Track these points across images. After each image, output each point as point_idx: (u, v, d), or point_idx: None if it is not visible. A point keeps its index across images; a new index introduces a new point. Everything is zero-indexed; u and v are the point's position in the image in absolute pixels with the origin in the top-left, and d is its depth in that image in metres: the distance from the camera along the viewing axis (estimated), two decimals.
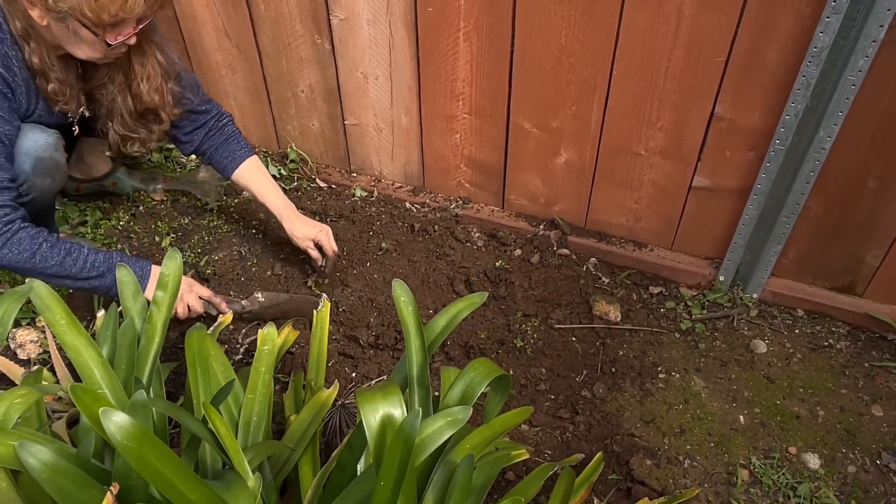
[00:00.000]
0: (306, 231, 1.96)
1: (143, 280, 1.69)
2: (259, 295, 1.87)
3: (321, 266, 2.00)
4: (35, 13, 1.48)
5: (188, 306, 1.76)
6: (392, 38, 2.00)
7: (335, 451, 1.14)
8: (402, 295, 1.14)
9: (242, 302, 1.87)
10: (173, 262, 1.31)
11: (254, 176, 1.98)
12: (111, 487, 0.85)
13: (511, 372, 1.84)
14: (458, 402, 1.01)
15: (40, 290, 1.12)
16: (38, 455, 0.83)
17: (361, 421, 0.94)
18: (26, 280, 1.15)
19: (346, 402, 1.66)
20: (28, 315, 1.91)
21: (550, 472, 1.49)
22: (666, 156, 1.91)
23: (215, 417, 0.95)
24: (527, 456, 1.55)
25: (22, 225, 1.57)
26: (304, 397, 1.60)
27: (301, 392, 1.61)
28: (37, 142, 1.68)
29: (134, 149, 1.86)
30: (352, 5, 1.98)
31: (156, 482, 0.81)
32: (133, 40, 1.58)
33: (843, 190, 1.77)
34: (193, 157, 2.37)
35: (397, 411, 0.92)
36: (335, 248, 1.99)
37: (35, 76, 1.62)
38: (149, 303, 1.36)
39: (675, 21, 1.66)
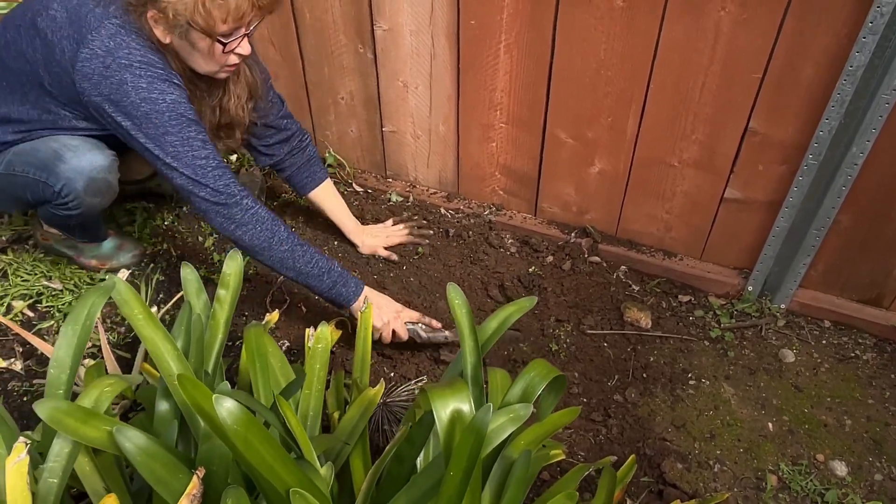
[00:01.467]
0: (373, 243, 2.22)
1: (358, 291, 1.80)
2: (448, 334, 1.89)
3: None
4: (158, 31, 1.56)
5: (393, 331, 1.83)
6: (434, 48, 2.07)
7: (390, 444, 1.20)
8: (456, 298, 1.20)
9: (446, 332, 1.89)
10: (234, 262, 1.38)
11: (330, 199, 2.21)
12: (197, 471, 0.91)
13: None
14: (518, 400, 1.07)
15: (120, 287, 1.18)
16: (134, 440, 0.89)
17: (423, 416, 1.00)
18: (107, 276, 1.22)
19: (388, 400, 1.72)
20: None
21: (585, 473, 1.54)
22: (699, 168, 1.96)
23: (287, 409, 1.00)
24: (563, 456, 1.59)
25: (259, 204, 1.67)
26: (347, 395, 1.67)
27: (342, 390, 1.67)
28: (93, 163, 1.75)
29: (219, 146, 1.92)
30: (396, 17, 2.04)
31: (258, 464, 0.87)
32: (246, 48, 1.63)
33: (874, 205, 1.82)
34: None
35: (465, 406, 0.97)
36: (403, 237, 2.25)
37: None
38: (353, 316, 1.60)
39: (713, 37, 1.71)
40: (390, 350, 1.92)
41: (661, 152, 1.98)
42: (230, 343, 1.92)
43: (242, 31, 1.59)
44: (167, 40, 1.58)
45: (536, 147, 2.14)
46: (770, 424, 1.80)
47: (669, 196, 2.07)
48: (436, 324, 1.88)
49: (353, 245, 2.25)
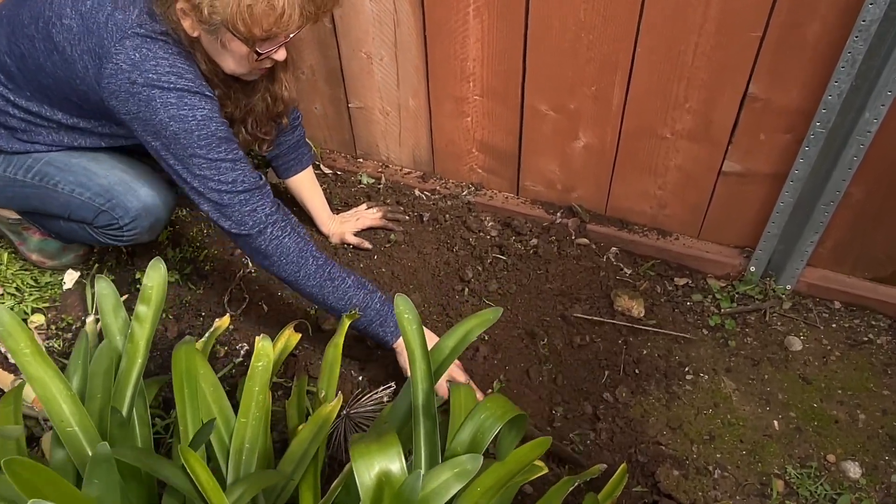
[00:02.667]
0: (342, 229, 2.06)
1: (397, 333, 1.59)
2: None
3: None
4: (187, 24, 1.40)
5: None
6: (397, 15, 1.86)
7: (334, 484, 1.04)
8: (405, 311, 1.02)
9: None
10: (157, 272, 1.20)
11: (310, 186, 2.06)
12: None
13: (528, 372, 1.73)
14: (467, 448, 0.90)
15: (4, 317, 1.02)
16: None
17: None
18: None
19: (352, 411, 1.56)
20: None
21: (571, 487, 1.39)
22: (694, 139, 1.77)
23: (195, 463, 0.84)
24: (545, 470, 1.44)
25: (287, 231, 1.54)
26: (310, 406, 1.51)
27: (305, 399, 1.51)
28: (167, 202, 1.72)
29: (263, 149, 1.81)
30: None
31: None
32: (282, 54, 1.49)
33: (889, 176, 1.63)
34: None
35: (396, 466, 0.81)
36: (375, 220, 2.08)
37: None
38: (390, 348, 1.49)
39: None
40: (358, 351, 1.76)
41: (652, 123, 1.78)
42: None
43: (282, 38, 1.42)
44: (195, 33, 1.42)
45: (515, 121, 1.95)
46: (775, 422, 1.64)
47: (662, 170, 1.88)
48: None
49: (325, 236, 2.08)
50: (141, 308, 1.17)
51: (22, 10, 1.51)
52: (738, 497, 1.51)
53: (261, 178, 1.54)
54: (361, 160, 2.31)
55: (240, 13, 1.31)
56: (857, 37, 1.42)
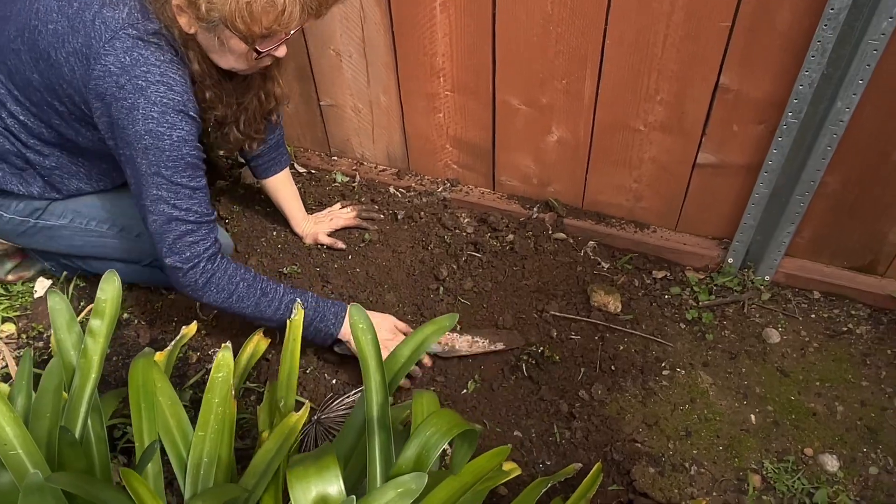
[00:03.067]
0: (315, 230, 2.01)
1: (338, 322, 1.61)
2: (458, 346, 1.73)
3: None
4: (183, 21, 1.35)
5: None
6: (363, 11, 1.83)
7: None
8: (359, 321, 1.00)
9: (465, 338, 1.74)
10: (111, 285, 1.18)
11: (287, 186, 2.01)
12: None
13: (503, 371, 1.71)
14: (412, 467, 0.88)
15: None
16: None
17: None
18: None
19: (322, 416, 1.54)
20: None
21: (545, 488, 1.37)
22: (667, 131, 1.74)
23: (138, 485, 0.82)
24: (518, 472, 1.43)
25: (219, 263, 1.52)
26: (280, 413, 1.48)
27: (277, 405, 1.49)
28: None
29: (253, 147, 1.77)
30: None
31: None
32: (283, 51, 1.46)
33: (864, 164, 1.61)
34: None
35: (334, 489, 0.79)
36: (349, 220, 2.05)
37: (194, 84, 1.48)
38: (338, 341, 1.49)
39: None
40: (332, 354, 1.74)
41: (624, 116, 1.75)
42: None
43: (282, 36, 1.38)
44: (191, 30, 1.37)
45: (487, 116, 1.92)
46: (752, 416, 1.62)
47: (637, 163, 1.85)
48: (445, 338, 1.69)
49: (299, 236, 2.05)
50: (95, 322, 1.14)
51: (7, 27, 1.45)
52: (714, 493, 1.50)
53: (212, 214, 1.51)
54: (336, 158, 2.28)
55: (238, 10, 1.27)
56: (825, 25, 1.39)
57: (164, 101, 1.37)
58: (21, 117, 1.51)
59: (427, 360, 1.70)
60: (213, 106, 1.54)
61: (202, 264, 1.49)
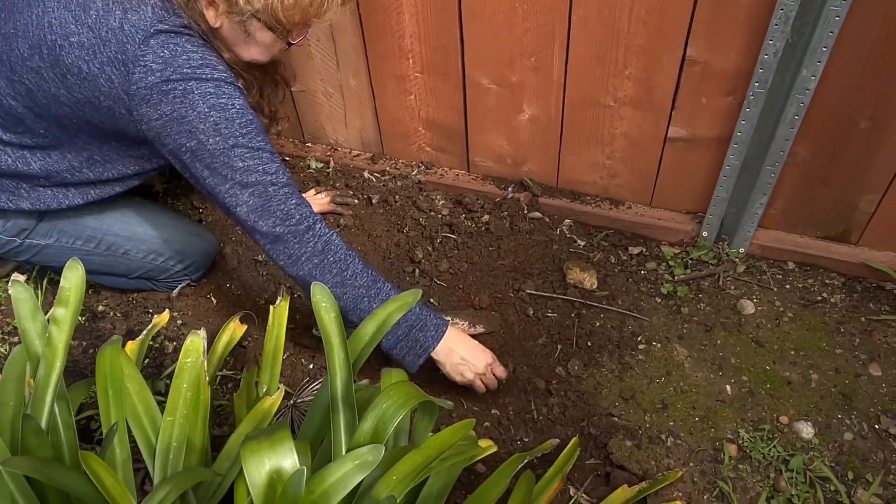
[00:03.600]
0: None
1: (438, 335, 1.48)
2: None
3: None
4: (210, 14, 1.35)
5: (485, 385, 1.56)
6: None
7: None
8: (322, 300, 1.00)
9: None
10: (74, 273, 1.17)
11: None
12: None
13: None
14: (370, 440, 0.88)
15: None
16: None
17: None
18: None
19: (298, 400, 1.54)
20: None
21: (522, 464, 1.38)
22: (637, 106, 1.74)
23: (98, 468, 0.82)
24: (494, 449, 1.44)
25: (331, 230, 1.45)
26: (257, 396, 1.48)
27: (254, 390, 1.49)
28: (211, 240, 1.86)
29: (279, 128, 1.80)
30: None
31: None
32: (303, 40, 1.48)
33: (832, 133, 1.61)
34: None
35: (287, 462, 0.79)
36: (324, 205, 2.04)
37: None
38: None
39: None
40: (309, 339, 1.74)
41: (594, 92, 1.75)
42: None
43: (313, 24, 1.41)
44: (217, 24, 1.36)
45: (458, 96, 1.91)
46: (728, 387, 1.63)
47: (609, 139, 1.85)
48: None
49: None
50: (59, 311, 1.13)
51: (16, 45, 1.37)
52: (691, 464, 1.51)
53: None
54: (310, 144, 2.27)
55: (283, 4, 1.30)
56: None
57: (215, 76, 1.35)
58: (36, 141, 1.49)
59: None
60: (247, 90, 1.54)
61: (317, 226, 1.42)
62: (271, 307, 1.51)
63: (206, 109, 1.33)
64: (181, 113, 1.33)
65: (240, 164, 1.36)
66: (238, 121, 1.36)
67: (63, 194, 1.57)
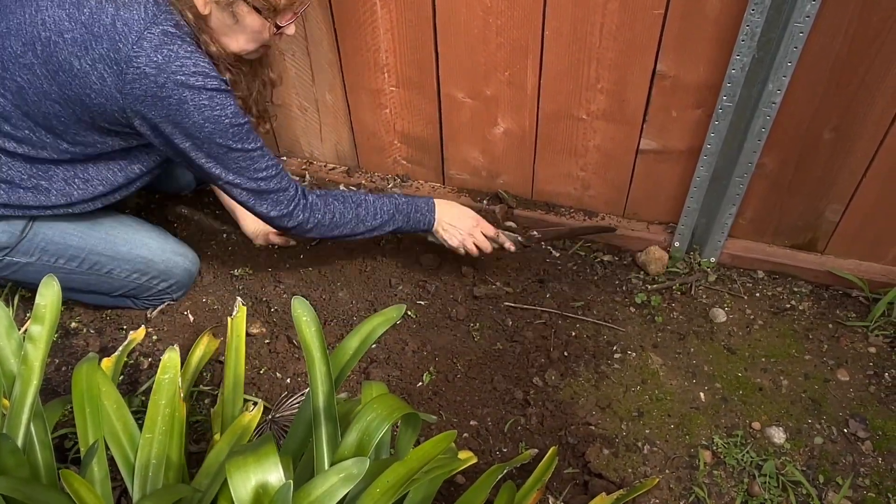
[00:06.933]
0: (265, 229, 1.88)
1: (430, 210, 1.74)
2: (535, 233, 1.86)
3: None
4: (199, 1, 1.35)
5: (476, 245, 1.77)
6: None
7: None
8: (303, 314, 1.00)
9: (520, 238, 1.85)
10: (50, 290, 1.15)
11: None
12: None
13: (457, 364, 1.72)
14: (354, 452, 0.89)
15: None
16: None
17: None
18: None
19: (277, 415, 1.54)
20: None
21: (501, 475, 1.39)
22: (609, 119, 1.77)
23: (79, 486, 0.81)
24: (474, 461, 1.45)
25: (311, 198, 1.63)
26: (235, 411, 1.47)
27: (230, 406, 1.48)
28: (192, 259, 1.85)
29: (266, 128, 1.83)
30: None
31: None
32: (292, 29, 1.49)
33: (798, 144, 1.66)
34: None
35: (273, 477, 0.79)
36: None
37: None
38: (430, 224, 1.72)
39: None
40: (287, 351, 1.73)
41: (567, 105, 1.78)
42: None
43: (298, 8, 1.43)
44: (206, 11, 1.37)
45: (433, 110, 1.93)
46: (702, 394, 1.66)
47: (582, 152, 1.88)
48: (510, 245, 1.82)
49: (248, 237, 2.03)
50: (35, 328, 1.12)
51: (9, 43, 1.38)
52: (667, 471, 1.53)
53: (276, 156, 1.61)
54: (285, 158, 2.27)
55: None
56: (753, 9, 1.43)
57: (208, 87, 1.38)
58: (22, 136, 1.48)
59: (511, 246, 1.82)
60: (234, 86, 1.54)
61: (301, 202, 1.60)
62: (229, 319, 1.50)
63: (202, 121, 1.40)
64: (177, 118, 1.39)
65: (233, 167, 1.49)
66: (231, 129, 1.44)
67: (45, 196, 1.55)
